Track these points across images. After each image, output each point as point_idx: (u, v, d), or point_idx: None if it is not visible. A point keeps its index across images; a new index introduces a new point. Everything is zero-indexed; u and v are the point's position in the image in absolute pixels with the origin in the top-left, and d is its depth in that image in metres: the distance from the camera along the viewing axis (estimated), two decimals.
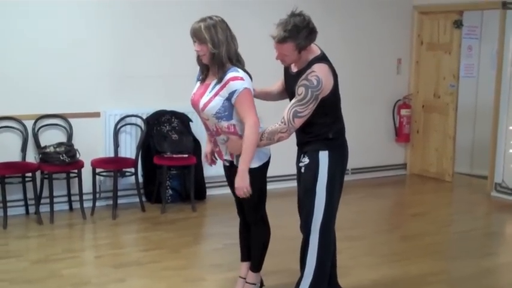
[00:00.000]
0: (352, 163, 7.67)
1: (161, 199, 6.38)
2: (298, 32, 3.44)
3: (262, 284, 4.16)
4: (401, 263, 4.97)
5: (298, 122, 3.55)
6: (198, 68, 3.85)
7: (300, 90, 3.50)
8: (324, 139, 3.65)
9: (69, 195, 6.27)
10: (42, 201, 6.04)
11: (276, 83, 4.03)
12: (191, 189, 6.44)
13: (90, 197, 6.20)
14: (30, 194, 6.02)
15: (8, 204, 5.81)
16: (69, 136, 6.21)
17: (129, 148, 6.50)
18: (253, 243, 4.02)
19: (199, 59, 3.74)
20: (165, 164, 6.31)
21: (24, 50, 6.00)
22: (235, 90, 3.59)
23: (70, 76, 6.13)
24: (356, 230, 5.81)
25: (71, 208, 6.29)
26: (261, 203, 3.94)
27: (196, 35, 3.62)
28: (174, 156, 6.38)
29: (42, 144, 6.04)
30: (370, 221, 6.24)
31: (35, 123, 6.10)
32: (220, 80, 3.63)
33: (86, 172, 6.13)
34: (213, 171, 6.69)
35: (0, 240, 5.42)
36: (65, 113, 6.20)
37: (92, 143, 6.29)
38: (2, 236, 5.50)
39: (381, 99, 8.12)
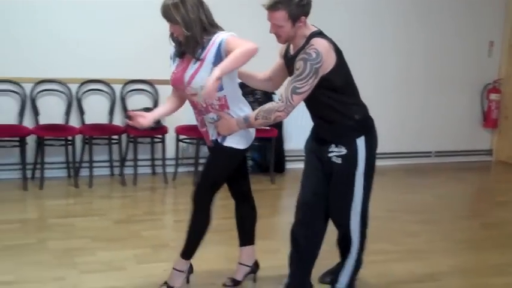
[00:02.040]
0: (435, 146, 7.77)
1: None
2: None
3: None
4: (479, 251, 4.85)
5: (297, 99, 3.28)
6: None
7: (298, 64, 3.24)
8: (352, 123, 3.42)
9: (152, 159, 6.44)
10: (127, 163, 6.24)
11: (265, 71, 3.75)
12: (271, 161, 6.49)
13: (173, 162, 6.35)
14: (115, 156, 6.23)
15: (94, 164, 6.04)
16: (155, 102, 6.35)
17: None
18: (189, 228, 3.64)
19: (173, 36, 3.44)
20: None
21: (115, 17, 6.17)
22: (221, 41, 3.26)
23: (158, 44, 6.23)
24: (435, 214, 5.71)
25: (153, 172, 6.47)
26: (214, 187, 3.57)
27: (167, 16, 3.30)
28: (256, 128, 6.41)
29: (129, 109, 6.20)
30: (450, 206, 6.10)
31: (123, 88, 6.27)
32: (200, 53, 3.31)
33: (170, 138, 6.27)
34: (293, 144, 6.78)
35: (85, 199, 5.64)
36: (152, 79, 6.33)
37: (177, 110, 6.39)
38: (87, 195, 5.72)
39: (469, 82, 7.88)
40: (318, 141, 3.56)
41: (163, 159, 6.24)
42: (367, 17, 7.18)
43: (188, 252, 3.68)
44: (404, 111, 7.55)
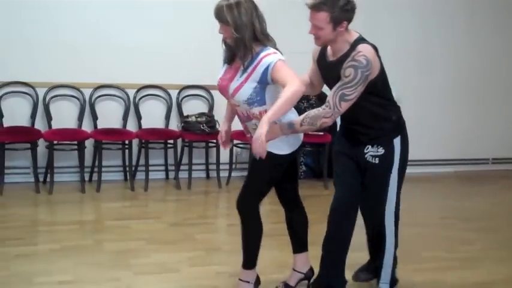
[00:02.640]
0: (492, 152, 7.60)
1: None
2: (334, 0, 3.16)
3: (259, 282, 3.77)
4: None
5: (345, 106, 3.25)
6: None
7: (348, 71, 3.20)
8: (390, 124, 3.44)
9: (207, 163, 6.52)
10: (182, 167, 6.33)
11: (303, 74, 3.66)
12: (324, 166, 6.48)
13: (227, 167, 6.41)
14: (170, 160, 6.33)
15: (150, 168, 6.14)
16: (211, 107, 6.43)
17: None
18: (244, 235, 3.60)
19: (225, 41, 3.41)
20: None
21: (171, 22, 6.28)
22: (269, 64, 3.22)
23: (214, 50, 6.28)
24: (490, 221, 5.61)
25: (207, 176, 6.55)
26: (260, 194, 3.53)
27: (219, 16, 3.27)
28: (310, 133, 6.42)
29: (185, 114, 6.29)
30: (507, 214, 5.97)
31: (179, 93, 6.37)
32: (248, 66, 3.28)
33: None
34: None
35: (141, 202, 5.75)
36: (208, 84, 6.40)
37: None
38: (142, 198, 5.83)
39: None
40: (350, 142, 3.55)
41: (218, 163, 6.30)
42: (414, 19, 7.12)
43: (248, 261, 3.65)
44: (460, 117, 7.43)
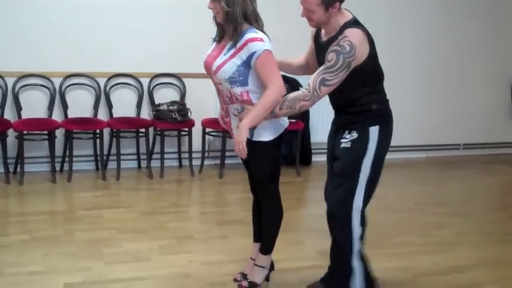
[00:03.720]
0: (464, 138, 7.67)
1: None
2: None
3: (272, 267, 3.80)
4: (509, 244, 4.79)
5: (325, 91, 3.17)
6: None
7: (331, 56, 3.11)
8: (368, 112, 3.30)
9: (179, 152, 6.48)
10: (154, 156, 6.29)
11: (299, 56, 3.66)
12: (297, 154, 6.48)
13: (199, 155, 6.37)
14: (142, 149, 6.28)
15: (122, 157, 6.08)
16: (182, 95, 6.39)
17: None
18: (264, 224, 3.67)
19: (215, 18, 3.37)
20: None
21: (143, 9, 6.21)
22: (255, 52, 3.20)
23: (186, 37, 6.24)
24: (465, 206, 5.66)
25: (180, 165, 6.51)
26: (273, 179, 3.57)
27: None
28: None
29: (156, 102, 6.24)
30: (482, 198, 6.05)
31: (150, 81, 6.31)
32: (235, 42, 3.26)
33: (196, 131, 6.29)
34: (320, 137, 6.76)
35: (112, 191, 5.69)
36: (179, 72, 6.36)
37: (204, 103, 6.40)
38: (114, 187, 5.78)
39: (498, 75, 7.78)
40: (335, 132, 3.48)
41: (190, 152, 6.26)
42: (385, 7, 7.14)
43: (267, 247, 3.67)
44: (432, 103, 7.48)
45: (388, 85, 3.45)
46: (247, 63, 3.26)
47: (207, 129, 6.33)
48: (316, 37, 3.40)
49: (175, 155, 6.51)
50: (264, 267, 3.70)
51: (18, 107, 5.88)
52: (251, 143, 3.37)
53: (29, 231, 4.54)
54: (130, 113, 6.25)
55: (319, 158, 6.76)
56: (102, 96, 6.17)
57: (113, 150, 6.12)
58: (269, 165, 3.51)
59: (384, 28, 7.00)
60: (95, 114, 6.13)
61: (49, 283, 3.72)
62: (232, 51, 3.28)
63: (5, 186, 5.63)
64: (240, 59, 3.26)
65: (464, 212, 5.47)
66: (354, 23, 3.19)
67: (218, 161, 6.39)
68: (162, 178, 6.07)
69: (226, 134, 6.17)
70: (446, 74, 7.50)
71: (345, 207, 3.35)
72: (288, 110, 3.29)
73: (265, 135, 3.41)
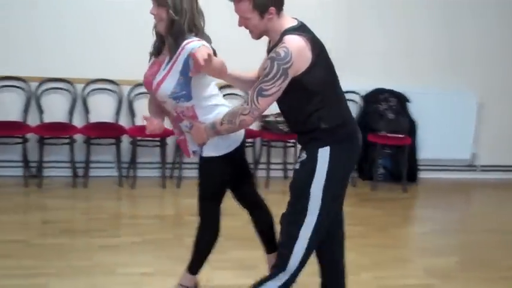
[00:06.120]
0: None
1: (372, 176, 6.43)
2: None
3: None
4: None
5: (264, 103, 2.84)
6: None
7: (266, 64, 2.83)
8: (318, 131, 2.93)
9: (284, 163, 6.55)
10: (260, 166, 6.39)
11: (253, 70, 3.28)
12: (403, 169, 6.41)
13: None
14: (248, 159, 6.38)
15: (271, 166, 6.29)
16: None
17: None
18: (195, 242, 3.54)
19: (155, 27, 3.13)
20: (379, 143, 6.33)
21: (131, 12, 5.99)
22: (191, 50, 2.89)
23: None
24: None
25: (285, 176, 6.57)
26: (213, 197, 3.41)
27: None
28: (389, 135, 6.39)
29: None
30: None
31: None
32: (171, 57, 3.05)
33: None
34: (428, 153, 6.66)
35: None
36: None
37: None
38: (263, 195, 5.90)
39: None
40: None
41: (295, 163, 6.30)
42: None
43: (194, 267, 3.58)
44: None
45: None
46: (186, 71, 3.02)
47: None
48: (268, 48, 3.11)
49: (281, 166, 6.58)
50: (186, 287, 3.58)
51: (131, 113, 6.14)
52: (203, 159, 3.29)
53: (139, 234, 4.74)
54: None
55: (427, 175, 6.67)
56: None
57: None
58: (215, 182, 3.36)
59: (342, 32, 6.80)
60: None
61: (159, 285, 3.88)
62: (171, 63, 3.08)
63: (118, 189, 5.90)
64: (178, 69, 3.04)
65: None
66: (296, 29, 2.89)
67: None
68: (267, 188, 6.15)
69: None
70: None
71: (290, 239, 3.05)
72: (229, 125, 2.99)
73: (215, 149, 3.24)
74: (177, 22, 3.00)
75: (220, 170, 3.31)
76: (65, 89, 6.07)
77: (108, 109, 6.17)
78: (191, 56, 2.87)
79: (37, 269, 4.03)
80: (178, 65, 3.04)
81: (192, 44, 2.97)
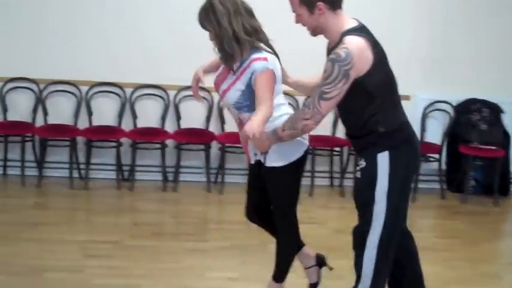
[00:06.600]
0: None
1: (463, 189, 6.27)
2: None
3: None
4: None
5: (325, 106, 2.78)
6: None
7: (326, 66, 2.78)
8: (375, 136, 2.88)
9: (331, 172, 6.53)
10: (346, 175, 6.37)
11: (317, 76, 3.17)
12: (495, 182, 6.23)
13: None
14: (335, 168, 6.39)
15: (316, 175, 6.25)
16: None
17: (435, 134, 6.44)
18: (277, 250, 3.53)
19: None
20: (471, 154, 6.18)
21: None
22: (255, 71, 3.03)
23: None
24: None
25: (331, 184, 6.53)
26: (291, 208, 3.41)
27: (200, 23, 3.14)
28: (481, 147, 6.23)
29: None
30: None
31: None
32: (238, 68, 3.12)
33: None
34: None
35: (305, 207, 5.83)
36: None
37: None
38: (307, 203, 5.93)
39: None
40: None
41: (355, 171, 6.23)
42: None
43: (279, 275, 3.58)
44: None
45: None
46: (250, 86, 3.10)
47: None
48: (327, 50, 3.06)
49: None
50: None
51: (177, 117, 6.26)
52: (266, 169, 3.28)
53: (226, 239, 4.83)
54: (327, 132, 6.36)
55: None
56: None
57: (307, 167, 6.27)
58: (285, 191, 3.35)
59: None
60: None
61: None
62: (237, 73, 3.14)
63: (206, 194, 6.03)
64: (243, 82, 3.12)
65: None
66: (357, 30, 2.85)
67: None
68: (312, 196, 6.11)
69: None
70: None
71: (358, 248, 3.04)
72: (291, 131, 2.94)
73: (276, 160, 3.22)
74: (219, 43, 3.10)
75: (287, 177, 3.31)
76: (158, 95, 6.27)
77: (154, 114, 6.27)
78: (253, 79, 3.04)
79: (128, 270, 4.18)
80: (245, 79, 3.11)
81: (257, 64, 3.06)
